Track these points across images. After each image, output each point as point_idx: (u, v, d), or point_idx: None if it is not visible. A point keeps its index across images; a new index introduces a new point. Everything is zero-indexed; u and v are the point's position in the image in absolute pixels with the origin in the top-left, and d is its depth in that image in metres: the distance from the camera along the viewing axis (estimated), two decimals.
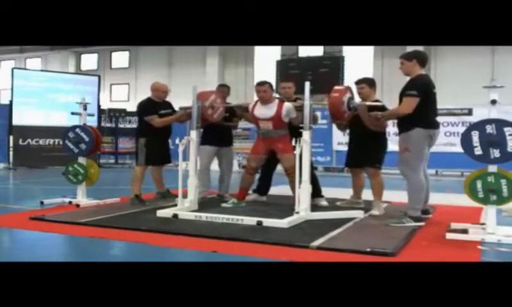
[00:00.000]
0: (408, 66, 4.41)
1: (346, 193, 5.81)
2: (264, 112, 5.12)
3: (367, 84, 5.06)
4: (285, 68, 16.13)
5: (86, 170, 5.69)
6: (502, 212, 4.65)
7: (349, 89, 5.04)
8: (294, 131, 5.06)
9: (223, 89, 6.09)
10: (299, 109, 4.98)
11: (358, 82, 5.17)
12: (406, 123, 4.36)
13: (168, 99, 5.95)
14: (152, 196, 5.95)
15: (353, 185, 5.56)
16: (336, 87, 4.95)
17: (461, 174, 10.45)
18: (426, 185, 4.56)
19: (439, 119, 4.54)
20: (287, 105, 5.08)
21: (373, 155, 5.04)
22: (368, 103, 4.87)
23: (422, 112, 4.25)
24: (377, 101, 5.00)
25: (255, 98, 5.37)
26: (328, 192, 5.68)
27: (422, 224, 4.33)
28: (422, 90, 4.26)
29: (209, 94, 5.58)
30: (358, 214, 4.80)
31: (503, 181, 3.78)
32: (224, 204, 5.16)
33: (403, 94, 4.35)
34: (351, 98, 4.91)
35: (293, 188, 4.99)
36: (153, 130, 5.60)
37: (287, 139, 5.07)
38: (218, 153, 6.02)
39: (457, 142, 4.71)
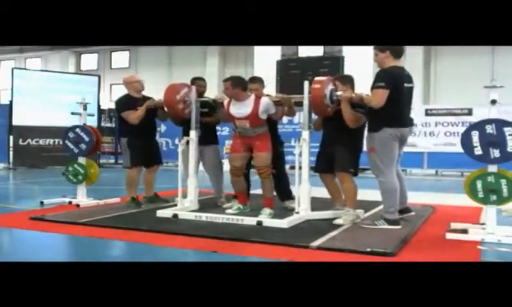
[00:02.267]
0: (380, 58, 4.18)
1: None
2: (239, 110, 4.64)
3: (340, 81, 4.64)
4: (285, 68, 16.12)
5: (86, 170, 5.69)
6: (502, 211, 4.65)
7: (331, 80, 4.59)
8: (273, 127, 4.92)
9: (199, 83, 5.46)
10: (278, 103, 4.72)
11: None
12: (374, 122, 4.20)
13: None
14: (140, 197, 5.55)
15: (331, 193, 4.91)
16: (318, 79, 4.46)
17: (460, 174, 10.44)
18: (401, 185, 4.36)
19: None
20: (265, 100, 4.63)
21: (346, 158, 4.53)
22: (352, 94, 4.43)
23: (390, 108, 4.01)
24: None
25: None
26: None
27: (398, 227, 4.13)
28: (390, 82, 4.01)
29: (180, 87, 5.15)
30: (358, 214, 4.79)
31: (503, 181, 3.78)
32: (229, 211, 4.77)
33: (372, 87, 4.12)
34: (334, 89, 4.49)
35: (265, 190, 4.73)
36: (134, 129, 5.30)
37: (266, 137, 4.70)
38: (201, 153, 5.37)
39: (457, 142, 4.70)
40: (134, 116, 5.28)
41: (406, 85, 4.18)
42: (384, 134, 4.13)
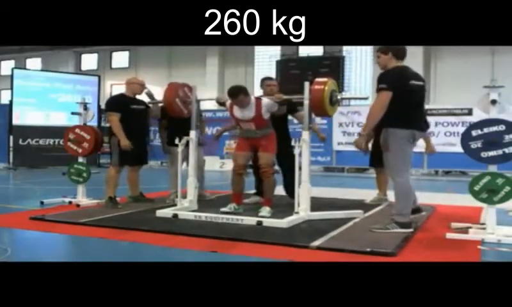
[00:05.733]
0: (384, 60, 4.09)
1: (346, 193, 5.80)
2: (244, 113, 4.75)
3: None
4: (285, 68, 16.12)
5: (88, 169, 5.70)
6: (508, 212, 4.66)
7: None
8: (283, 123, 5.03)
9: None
10: (281, 103, 4.79)
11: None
12: (385, 119, 3.99)
13: None
14: (125, 199, 5.60)
15: (378, 183, 5.74)
16: (318, 80, 4.57)
17: (459, 173, 10.41)
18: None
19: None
20: (266, 102, 4.72)
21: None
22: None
23: (398, 108, 3.86)
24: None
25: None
26: (328, 192, 5.67)
27: (410, 230, 3.99)
28: (393, 82, 3.88)
29: (180, 86, 5.25)
30: (358, 214, 4.79)
31: (503, 181, 3.77)
32: (223, 209, 4.78)
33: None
34: (334, 90, 4.59)
35: (265, 189, 4.81)
36: (126, 129, 5.28)
37: (271, 138, 4.82)
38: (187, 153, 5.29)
39: (457, 142, 4.70)
40: (115, 124, 5.31)
41: (413, 82, 4.01)
42: (397, 134, 3.97)
